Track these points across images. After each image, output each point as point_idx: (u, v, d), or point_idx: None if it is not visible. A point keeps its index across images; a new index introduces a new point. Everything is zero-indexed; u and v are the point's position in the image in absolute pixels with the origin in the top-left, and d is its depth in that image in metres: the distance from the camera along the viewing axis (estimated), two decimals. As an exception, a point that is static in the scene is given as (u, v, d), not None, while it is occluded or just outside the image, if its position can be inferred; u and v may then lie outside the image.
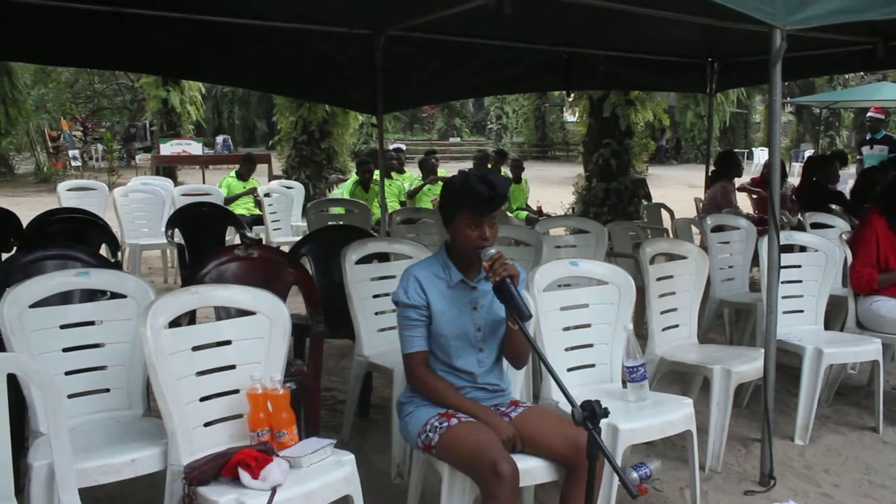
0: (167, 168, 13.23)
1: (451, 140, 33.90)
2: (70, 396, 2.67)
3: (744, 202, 8.09)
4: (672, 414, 2.92)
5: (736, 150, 15.63)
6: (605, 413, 1.98)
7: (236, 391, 2.52)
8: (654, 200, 9.26)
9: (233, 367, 2.54)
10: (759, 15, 2.95)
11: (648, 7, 4.69)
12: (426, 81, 6.40)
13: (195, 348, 2.47)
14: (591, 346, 3.21)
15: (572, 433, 2.34)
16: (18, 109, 19.53)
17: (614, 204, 10.03)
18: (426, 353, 2.49)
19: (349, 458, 2.42)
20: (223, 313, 3.07)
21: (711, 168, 7.42)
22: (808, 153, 19.54)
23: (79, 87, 25.89)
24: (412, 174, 9.02)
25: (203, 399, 2.47)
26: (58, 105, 23.77)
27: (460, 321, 2.46)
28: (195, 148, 13.47)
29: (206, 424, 2.47)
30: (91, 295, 2.99)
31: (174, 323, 2.56)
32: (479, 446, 2.30)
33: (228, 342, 2.55)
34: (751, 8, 2.93)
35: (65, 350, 2.67)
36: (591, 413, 1.95)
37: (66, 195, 7.46)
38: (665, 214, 7.70)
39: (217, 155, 14.57)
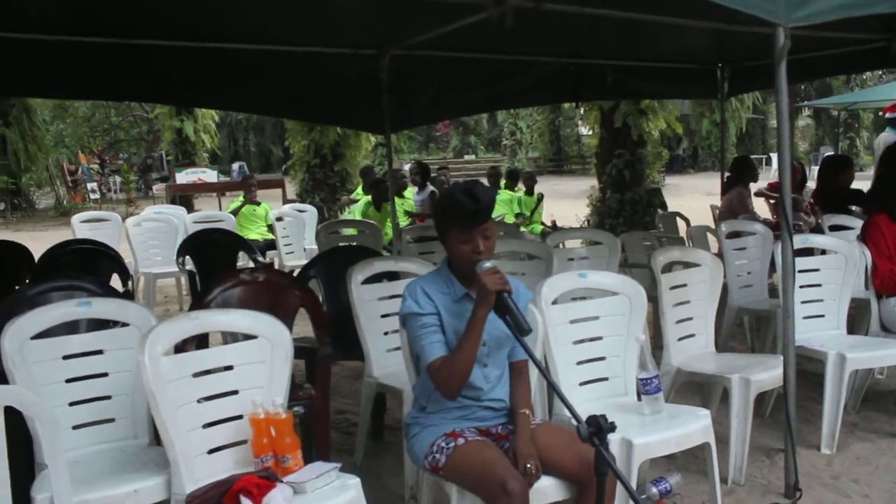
0: (183, 197, 13.33)
1: (466, 157, 33.96)
2: (75, 427, 2.64)
3: (761, 207, 7.97)
4: (689, 426, 2.83)
5: (754, 155, 15.46)
6: (612, 427, 1.90)
7: (239, 417, 2.47)
8: (671, 209, 9.17)
9: (235, 392, 2.50)
10: (761, 13, 2.90)
11: (652, 14, 4.65)
12: (433, 98, 6.38)
13: (196, 375, 2.43)
14: (603, 358, 3.13)
15: (583, 450, 2.27)
16: (38, 145, 19.95)
17: (629, 215, 9.93)
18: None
19: (355, 481, 2.36)
20: (229, 338, 3.04)
21: (726, 174, 7.31)
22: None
23: (96, 121, 26.29)
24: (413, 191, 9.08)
25: (205, 426, 2.42)
26: (76, 139, 24.12)
27: None
28: (210, 176, 13.58)
29: (210, 452, 2.43)
30: (99, 325, 2.97)
31: (180, 349, 2.53)
32: (486, 465, 2.23)
33: (230, 367, 2.51)
34: (752, 7, 2.87)
35: (68, 381, 2.64)
36: (597, 428, 1.88)
37: (80, 227, 7.52)
38: (681, 223, 7.60)
39: (232, 181, 14.64)
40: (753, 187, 7.18)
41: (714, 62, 7.38)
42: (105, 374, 2.72)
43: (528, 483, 2.24)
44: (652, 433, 2.76)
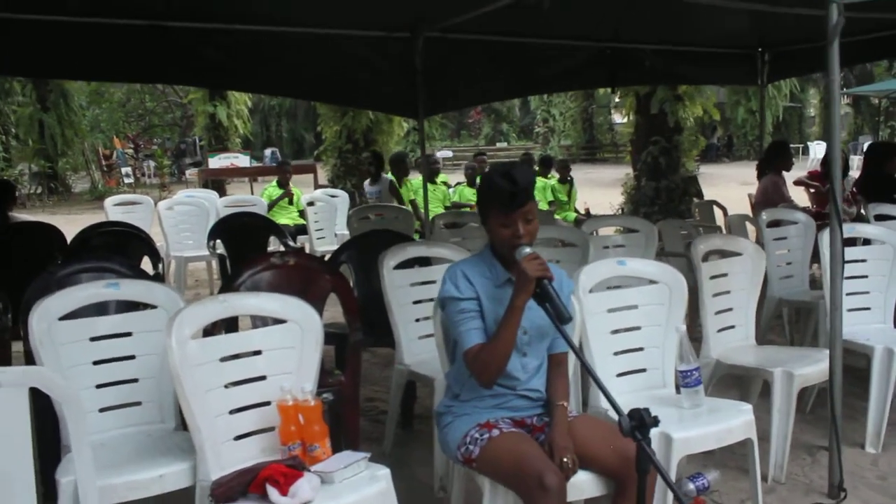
0: (216, 181, 13.37)
1: (498, 145, 33.76)
2: (101, 410, 2.61)
3: (800, 197, 7.75)
4: (730, 421, 2.72)
5: (791, 144, 15.10)
6: (655, 422, 1.81)
7: (267, 403, 2.42)
8: (707, 198, 8.97)
9: (263, 378, 2.44)
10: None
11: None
12: (467, 83, 6.30)
13: (223, 359, 2.38)
14: (641, 349, 3.03)
15: (621, 444, 2.18)
16: (74, 130, 20.21)
17: (664, 203, 9.74)
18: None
19: (384, 472, 2.29)
20: (259, 323, 2.99)
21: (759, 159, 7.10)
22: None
23: (131, 106, 26.55)
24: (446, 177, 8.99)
25: (232, 412, 2.37)
26: (111, 124, 24.38)
27: None
28: (243, 161, 13.58)
29: (237, 438, 2.38)
30: (129, 308, 2.93)
31: (208, 333, 2.48)
32: (522, 458, 2.15)
33: (259, 352, 2.46)
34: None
35: (95, 363, 2.61)
36: (640, 422, 1.79)
37: (113, 210, 7.55)
38: (718, 212, 7.43)
39: (264, 166, 14.62)
40: (791, 176, 6.97)
41: (754, 47, 7.20)
42: (132, 357, 2.68)
43: (565, 477, 2.16)
44: (692, 427, 2.66)
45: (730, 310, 3.62)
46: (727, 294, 3.61)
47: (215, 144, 15.56)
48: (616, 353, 2.99)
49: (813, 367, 3.29)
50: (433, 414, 2.59)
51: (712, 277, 3.56)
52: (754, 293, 3.67)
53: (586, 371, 2.08)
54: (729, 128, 30.49)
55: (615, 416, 1.89)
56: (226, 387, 2.37)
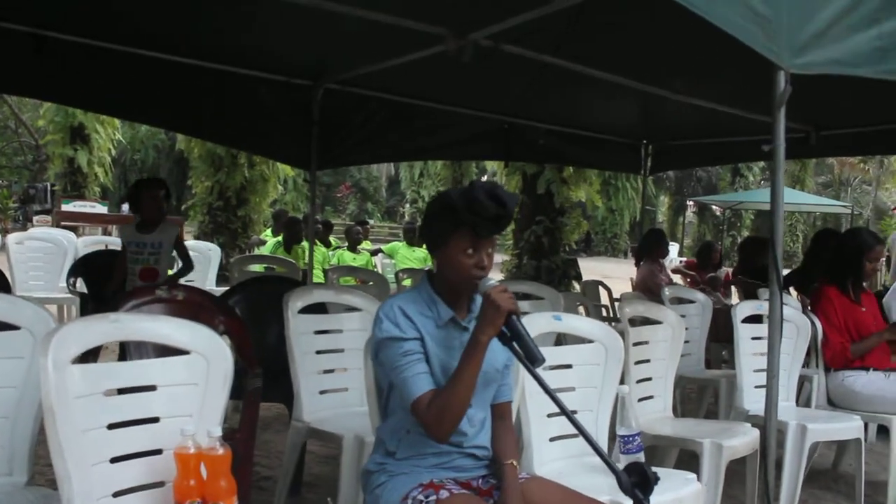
0: (69, 228, 12.28)
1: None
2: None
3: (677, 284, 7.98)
4: (679, 491, 2.52)
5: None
6: (656, 479, 1.55)
7: (158, 451, 1.96)
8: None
9: (156, 419, 1.98)
10: (766, 53, 2.76)
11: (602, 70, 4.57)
12: (364, 140, 6.10)
13: (108, 393, 1.91)
14: (574, 412, 2.78)
15: (587, 509, 1.92)
16: None
17: (545, 283, 9.77)
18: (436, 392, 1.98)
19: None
20: (136, 353, 2.52)
21: (634, 245, 7.32)
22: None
23: (-27, 144, 24.47)
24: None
25: (114, 460, 1.89)
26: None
27: (451, 369, 1.99)
28: (100, 210, 12.60)
29: (116, 495, 1.89)
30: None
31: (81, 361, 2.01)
32: (481, 525, 1.82)
33: (153, 387, 2.00)
34: (758, 44, 2.74)
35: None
36: (641, 478, 1.52)
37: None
38: (603, 292, 7.50)
39: (125, 215, 13.66)
40: (671, 264, 7.20)
41: (640, 138, 7.48)
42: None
43: None
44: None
45: (649, 379, 3.49)
46: (647, 363, 3.48)
47: (71, 190, 14.43)
48: (549, 415, 2.73)
49: (739, 438, 3.18)
50: (360, 473, 2.20)
51: (634, 344, 3.42)
52: (673, 364, 3.56)
53: (572, 424, 1.80)
54: (590, 224, 31.96)
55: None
56: (109, 427, 1.89)
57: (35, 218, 19.24)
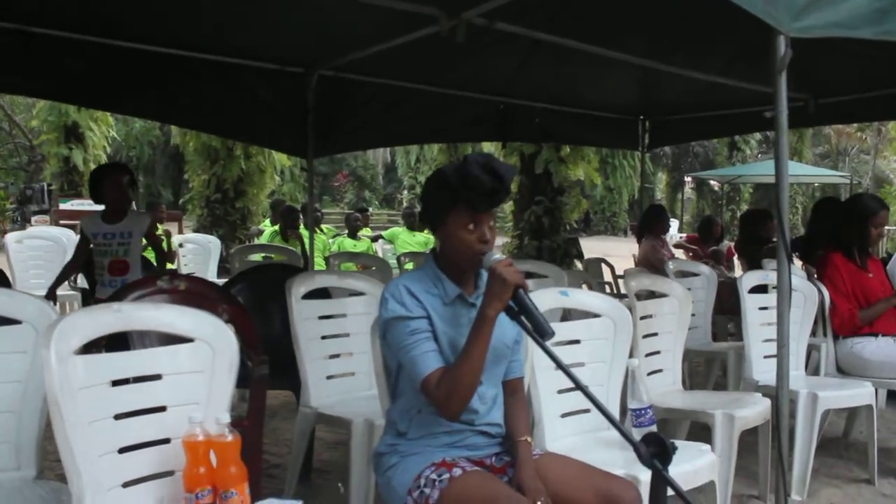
0: (68, 226, 12.24)
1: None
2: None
3: (680, 259, 7.96)
4: (695, 462, 2.49)
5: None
6: (675, 448, 1.53)
7: (166, 441, 1.93)
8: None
9: (163, 408, 1.96)
10: (766, 17, 2.72)
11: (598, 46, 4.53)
12: (359, 126, 6.08)
13: (115, 383, 1.89)
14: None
15: (603, 484, 1.92)
16: None
17: (547, 262, 9.77)
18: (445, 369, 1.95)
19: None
20: (140, 342, 2.48)
21: (634, 223, 7.29)
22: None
23: (-31, 147, 24.38)
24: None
25: (122, 450, 1.87)
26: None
27: (460, 346, 1.96)
28: (98, 208, 12.52)
29: (126, 485, 1.87)
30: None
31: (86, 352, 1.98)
32: (494, 501, 1.79)
33: (158, 376, 1.97)
34: (757, 9, 2.70)
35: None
36: (660, 448, 1.50)
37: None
38: (606, 269, 7.47)
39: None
40: (673, 239, 7.17)
41: (637, 114, 7.42)
42: (-17, 387, 2.12)
43: None
44: (656, 470, 2.39)
45: (658, 353, 3.46)
46: (655, 336, 3.46)
47: (68, 190, 14.36)
48: (560, 392, 2.70)
49: (750, 409, 3.16)
50: (371, 456, 2.18)
51: (641, 318, 3.40)
52: (681, 337, 3.54)
53: (588, 399, 1.76)
54: (589, 203, 31.93)
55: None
56: (116, 418, 1.87)
57: (33, 218, 19.18)
